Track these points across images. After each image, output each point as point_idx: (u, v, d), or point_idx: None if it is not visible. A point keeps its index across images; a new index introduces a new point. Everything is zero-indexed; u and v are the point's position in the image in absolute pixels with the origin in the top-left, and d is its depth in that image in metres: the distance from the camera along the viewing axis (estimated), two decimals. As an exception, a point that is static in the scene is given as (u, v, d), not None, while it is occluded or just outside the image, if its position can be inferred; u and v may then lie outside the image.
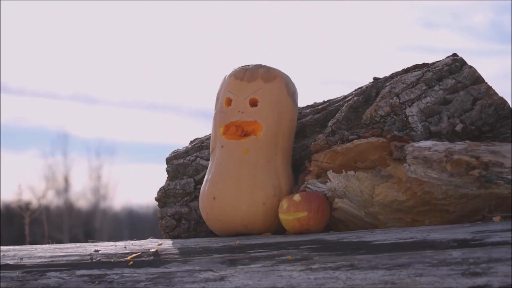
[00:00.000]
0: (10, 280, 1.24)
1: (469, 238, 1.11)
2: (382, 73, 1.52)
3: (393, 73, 1.50)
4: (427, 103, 1.40)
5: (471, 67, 1.43)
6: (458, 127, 1.36)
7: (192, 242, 1.35)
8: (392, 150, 1.31)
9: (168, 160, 1.68)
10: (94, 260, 1.28)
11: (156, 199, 1.66)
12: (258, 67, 1.48)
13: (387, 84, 1.45)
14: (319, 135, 1.47)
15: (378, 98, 1.42)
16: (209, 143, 1.64)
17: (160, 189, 1.65)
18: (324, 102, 1.60)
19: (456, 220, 1.29)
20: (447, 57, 1.48)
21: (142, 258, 1.26)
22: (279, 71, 1.49)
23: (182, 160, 1.65)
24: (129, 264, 1.24)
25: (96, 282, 1.19)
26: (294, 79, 1.53)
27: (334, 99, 1.59)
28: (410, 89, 1.42)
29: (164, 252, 1.28)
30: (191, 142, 1.71)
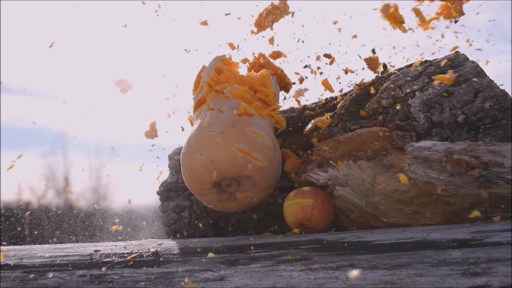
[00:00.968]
0: (10, 280, 1.24)
1: (469, 238, 1.11)
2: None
3: (396, 69, 1.51)
4: (429, 95, 1.40)
5: (473, 62, 1.44)
6: (460, 118, 1.36)
7: (192, 242, 1.35)
8: (394, 139, 1.31)
9: (171, 156, 1.70)
10: (94, 260, 1.28)
11: (158, 192, 1.67)
12: None
13: (390, 77, 1.46)
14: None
15: (380, 90, 1.43)
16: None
17: (162, 183, 1.67)
18: (326, 99, 1.60)
19: (456, 212, 1.29)
20: (449, 54, 1.48)
21: (142, 258, 1.26)
22: None
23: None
24: (129, 264, 1.24)
25: (96, 282, 1.19)
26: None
27: (335, 97, 1.59)
28: (412, 81, 1.42)
29: (164, 252, 1.28)
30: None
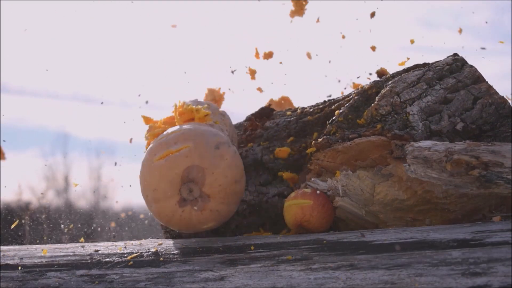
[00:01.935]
0: (10, 280, 1.24)
1: (469, 238, 1.11)
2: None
3: (393, 73, 1.50)
4: (428, 102, 1.40)
5: (471, 66, 1.44)
6: (459, 126, 1.36)
7: (192, 242, 1.34)
8: (392, 148, 1.31)
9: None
10: (94, 260, 1.28)
11: None
12: None
13: (388, 83, 1.45)
14: (319, 134, 1.47)
15: (378, 97, 1.43)
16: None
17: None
18: (324, 101, 1.60)
19: (456, 219, 1.29)
20: (448, 57, 1.48)
21: (142, 258, 1.26)
22: None
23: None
24: (129, 264, 1.24)
25: (96, 282, 1.19)
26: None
27: (335, 99, 1.59)
28: (410, 88, 1.42)
29: (164, 252, 1.28)
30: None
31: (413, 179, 1.28)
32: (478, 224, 1.21)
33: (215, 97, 1.75)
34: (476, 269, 1.00)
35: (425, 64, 1.48)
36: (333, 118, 1.47)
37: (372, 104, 1.43)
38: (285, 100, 1.79)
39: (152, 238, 1.55)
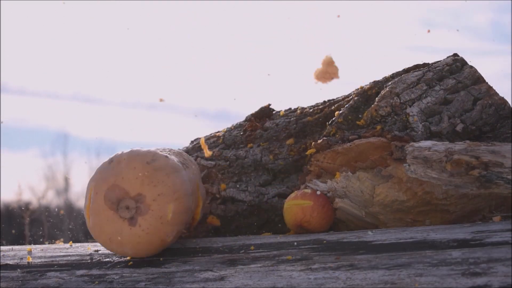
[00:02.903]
0: (10, 280, 1.24)
1: (469, 238, 1.11)
2: (383, 74, 1.53)
3: (393, 73, 1.50)
4: (428, 103, 1.40)
5: (471, 67, 1.44)
6: (459, 127, 1.36)
7: (192, 242, 1.34)
8: (392, 150, 1.31)
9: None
10: (94, 260, 1.28)
11: None
12: None
13: (388, 84, 1.45)
14: (319, 135, 1.47)
15: (378, 98, 1.42)
16: (210, 143, 1.64)
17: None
18: (324, 102, 1.60)
19: (456, 220, 1.29)
20: (447, 57, 1.48)
21: (142, 258, 1.26)
22: None
23: (182, 160, 1.65)
24: (129, 264, 1.24)
25: (96, 282, 1.19)
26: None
27: (334, 99, 1.59)
28: (410, 89, 1.42)
29: (164, 252, 1.28)
30: (192, 142, 1.72)
31: (413, 180, 1.28)
32: (478, 224, 1.21)
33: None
34: (476, 269, 1.00)
35: (425, 65, 1.48)
36: (333, 119, 1.47)
37: (372, 105, 1.43)
38: (328, 63, 1.74)
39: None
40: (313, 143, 1.43)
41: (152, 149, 1.27)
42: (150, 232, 1.20)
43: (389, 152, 1.32)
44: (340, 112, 1.47)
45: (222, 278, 1.14)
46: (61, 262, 1.30)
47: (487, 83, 1.41)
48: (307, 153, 1.46)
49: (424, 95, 1.41)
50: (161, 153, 1.26)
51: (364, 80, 1.55)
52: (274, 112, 1.65)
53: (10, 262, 1.31)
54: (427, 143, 1.28)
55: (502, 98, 1.39)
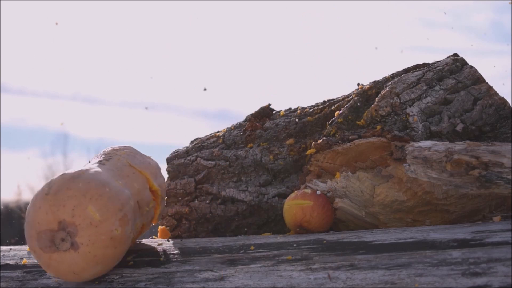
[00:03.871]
0: (10, 280, 1.24)
1: (469, 238, 1.11)
2: (383, 74, 1.53)
3: (393, 73, 1.50)
4: (428, 103, 1.40)
5: (471, 67, 1.44)
6: (459, 127, 1.36)
7: (192, 242, 1.34)
8: (392, 150, 1.31)
9: (169, 160, 1.68)
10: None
11: None
12: None
13: (388, 84, 1.45)
14: (319, 135, 1.47)
15: (378, 98, 1.42)
16: (210, 143, 1.64)
17: (161, 189, 1.65)
18: (324, 102, 1.60)
19: (456, 220, 1.29)
20: (447, 57, 1.48)
21: (142, 258, 1.26)
22: None
23: (182, 160, 1.65)
24: (129, 264, 1.24)
25: (96, 282, 1.19)
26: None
27: (334, 99, 1.59)
28: (410, 89, 1.42)
29: (164, 252, 1.28)
30: (192, 142, 1.72)
31: (413, 181, 1.28)
32: (478, 224, 1.21)
33: None
34: (476, 269, 1.00)
35: (425, 65, 1.48)
36: (333, 119, 1.47)
37: (372, 105, 1.43)
38: None
39: (152, 238, 1.55)
40: (313, 143, 1.43)
41: (68, 172, 1.19)
42: (95, 240, 1.13)
43: (389, 152, 1.32)
44: (340, 112, 1.47)
45: (222, 278, 1.14)
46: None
47: (487, 83, 1.41)
48: (307, 153, 1.46)
49: (424, 95, 1.41)
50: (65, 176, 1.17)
51: (364, 80, 1.55)
52: (274, 112, 1.65)
53: (10, 262, 1.31)
54: (427, 143, 1.28)
55: (502, 98, 1.39)
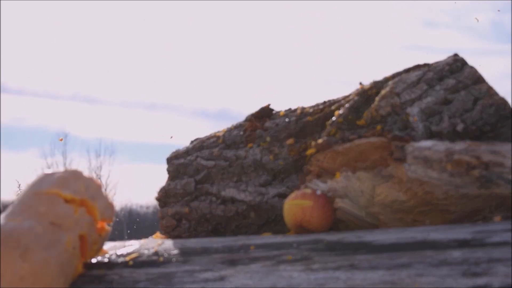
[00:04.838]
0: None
1: (469, 238, 1.11)
2: (383, 74, 1.53)
3: (393, 73, 1.50)
4: (428, 103, 1.40)
5: (472, 67, 1.44)
6: (459, 127, 1.36)
7: (192, 242, 1.34)
8: (392, 150, 1.31)
9: (169, 160, 1.68)
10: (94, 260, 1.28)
11: (157, 198, 1.66)
12: None
13: (388, 84, 1.45)
14: (319, 135, 1.47)
15: (378, 98, 1.43)
16: (210, 143, 1.64)
17: (161, 189, 1.65)
18: (324, 102, 1.60)
19: (456, 220, 1.29)
20: (448, 57, 1.48)
21: (142, 258, 1.26)
22: None
23: (182, 160, 1.65)
24: (129, 264, 1.24)
25: (96, 282, 1.19)
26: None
27: (334, 99, 1.59)
28: (410, 89, 1.42)
29: (164, 252, 1.28)
30: (192, 142, 1.72)
31: (413, 181, 1.28)
32: (479, 224, 1.21)
33: None
34: (477, 269, 1.00)
35: (425, 65, 1.48)
36: (333, 119, 1.47)
37: (372, 105, 1.43)
38: None
39: (152, 238, 1.54)
40: (313, 143, 1.43)
41: None
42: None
43: (389, 152, 1.32)
44: (340, 112, 1.47)
45: (222, 278, 1.14)
46: (61, 262, 1.29)
47: (487, 83, 1.41)
48: (307, 153, 1.46)
49: (424, 95, 1.41)
50: None
51: (364, 80, 1.55)
52: (274, 112, 1.65)
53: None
54: (428, 143, 1.28)
55: (503, 98, 1.39)
